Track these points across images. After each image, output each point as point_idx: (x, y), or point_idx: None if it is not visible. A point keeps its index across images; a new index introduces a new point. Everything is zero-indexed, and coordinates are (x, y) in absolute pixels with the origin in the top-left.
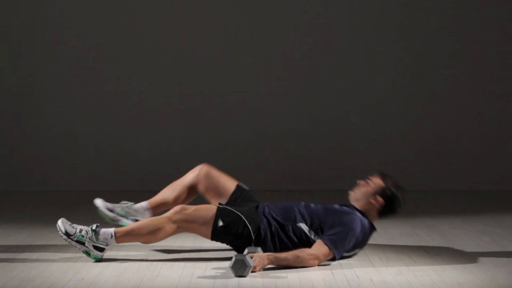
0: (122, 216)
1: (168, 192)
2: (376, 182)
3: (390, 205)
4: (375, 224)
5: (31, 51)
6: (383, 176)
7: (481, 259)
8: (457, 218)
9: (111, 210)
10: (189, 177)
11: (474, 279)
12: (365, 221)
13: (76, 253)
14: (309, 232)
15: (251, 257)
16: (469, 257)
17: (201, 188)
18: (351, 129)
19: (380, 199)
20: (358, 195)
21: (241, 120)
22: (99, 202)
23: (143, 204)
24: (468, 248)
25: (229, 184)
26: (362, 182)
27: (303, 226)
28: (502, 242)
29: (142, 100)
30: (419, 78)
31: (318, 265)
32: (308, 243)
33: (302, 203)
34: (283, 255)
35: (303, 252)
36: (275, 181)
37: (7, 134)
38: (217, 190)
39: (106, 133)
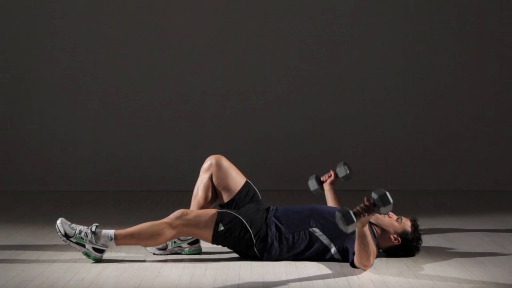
0: None
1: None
2: (405, 224)
3: (401, 250)
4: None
5: (32, 52)
6: (414, 224)
7: (481, 259)
8: (457, 218)
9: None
10: (205, 177)
11: (474, 279)
12: (376, 245)
13: (76, 253)
14: (321, 236)
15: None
16: (469, 257)
17: (213, 180)
18: (352, 130)
19: (399, 239)
20: (385, 223)
21: (241, 121)
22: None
23: None
24: (468, 248)
25: (239, 179)
26: (394, 216)
27: (317, 231)
28: (502, 242)
29: (141, 101)
30: (420, 79)
31: (318, 267)
32: (314, 246)
33: (319, 205)
34: (370, 236)
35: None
36: (276, 181)
37: (7, 135)
38: (225, 184)
39: (106, 133)
